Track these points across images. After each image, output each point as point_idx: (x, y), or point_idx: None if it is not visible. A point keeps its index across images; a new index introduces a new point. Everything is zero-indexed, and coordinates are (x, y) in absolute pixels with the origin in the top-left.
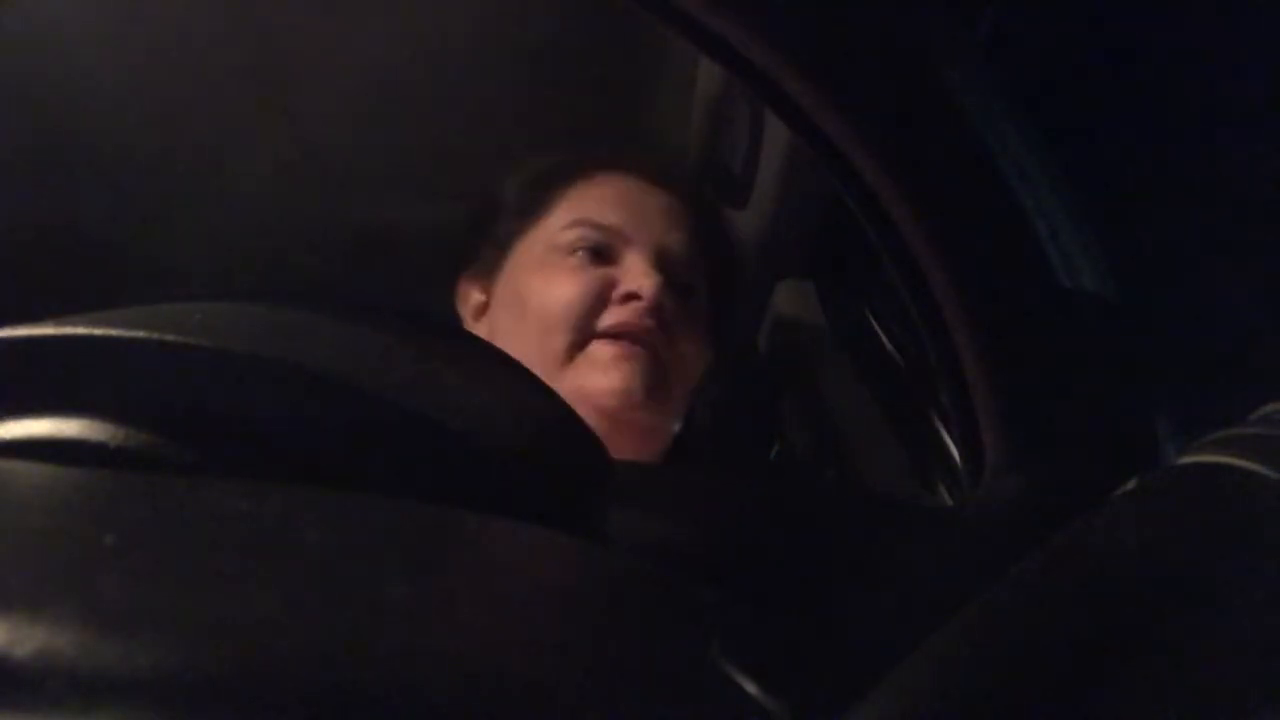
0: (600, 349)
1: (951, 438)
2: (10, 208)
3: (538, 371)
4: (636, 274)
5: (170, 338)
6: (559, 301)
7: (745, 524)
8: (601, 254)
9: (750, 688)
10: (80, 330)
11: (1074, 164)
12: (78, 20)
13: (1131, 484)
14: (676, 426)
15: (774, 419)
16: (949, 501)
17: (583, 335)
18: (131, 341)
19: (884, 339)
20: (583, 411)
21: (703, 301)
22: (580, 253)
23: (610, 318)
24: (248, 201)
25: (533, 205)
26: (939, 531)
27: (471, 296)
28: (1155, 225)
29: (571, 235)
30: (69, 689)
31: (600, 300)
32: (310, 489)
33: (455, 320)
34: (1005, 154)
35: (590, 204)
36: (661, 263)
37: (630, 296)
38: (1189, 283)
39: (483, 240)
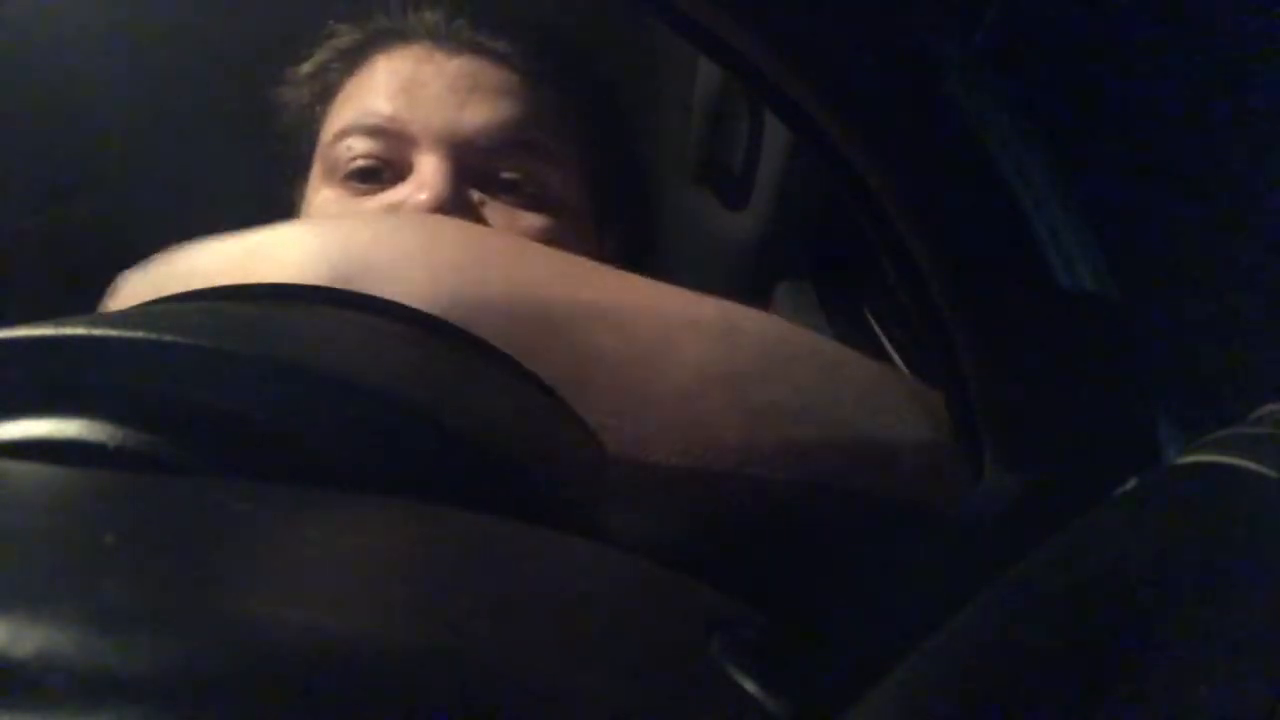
0: None
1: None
2: (9, 209)
3: None
4: (414, 189)
5: (170, 338)
6: None
7: (746, 523)
8: (381, 170)
9: (750, 687)
10: (80, 330)
11: (1074, 164)
12: (77, 21)
13: (1131, 484)
14: None
15: None
16: (949, 502)
17: None
18: (131, 341)
19: (884, 339)
20: None
21: (559, 181)
22: (352, 177)
23: None
24: (247, 202)
25: (310, 118)
26: (939, 531)
27: None
28: (1155, 225)
29: (339, 151)
30: (69, 688)
31: None
32: (310, 489)
33: None
34: (1005, 154)
35: (357, 100)
36: (459, 155)
37: None
38: (1189, 283)
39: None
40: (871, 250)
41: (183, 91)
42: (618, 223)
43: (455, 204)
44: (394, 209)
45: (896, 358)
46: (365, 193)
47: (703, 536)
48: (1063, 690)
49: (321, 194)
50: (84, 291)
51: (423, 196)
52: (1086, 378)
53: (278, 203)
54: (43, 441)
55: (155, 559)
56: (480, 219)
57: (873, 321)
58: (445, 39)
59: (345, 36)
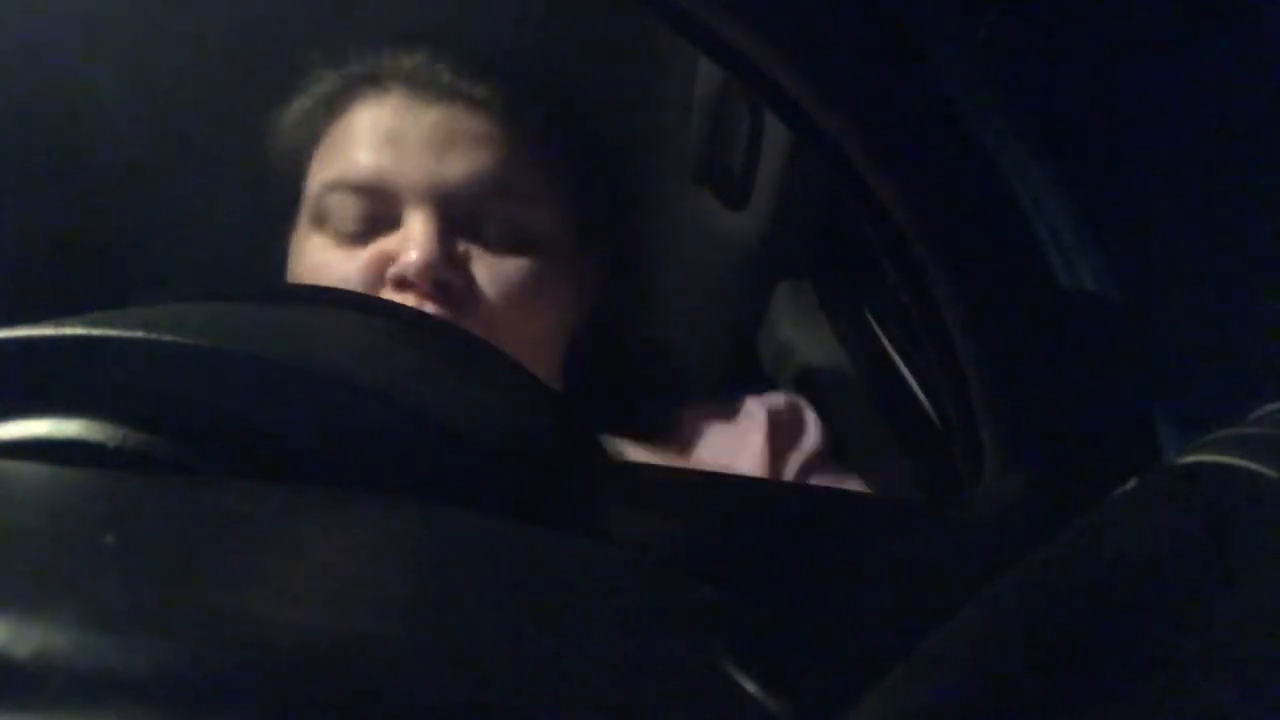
0: None
1: (951, 438)
2: (10, 211)
3: None
4: (405, 243)
5: (169, 338)
6: None
7: (746, 523)
8: (371, 220)
9: (751, 687)
10: (80, 330)
11: (1076, 164)
12: (76, 27)
13: (1131, 484)
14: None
15: None
16: (949, 502)
17: None
18: (131, 341)
19: (884, 339)
20: None
21: (541, 218)
22: (341, 230)
23: None
24: (247, 203)
25: (297, 161)
26: (939, 531)
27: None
28: (1155, 225)
29: (327, 204)
30: (69, 688)
31: (374, 286)
32: (310, 489)
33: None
34: (1005, 154)
35: (341, 153)
36: (444, 207)
37: (402, 282)
38: (1189, 282)
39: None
40: (871, 250)
41: (183, 94)
42: (601, 244)
43: (446, 262)
44: (384, 259)
45: (896, 358)
46: (354, 243)
47: (703, 536)
48: (1063, 690)
49: (312, 240)
50: (84, 292)
51: (414, 255)
52: (1086, 377)
53: (274, 204)
54: (43, 441)
55: (155, 559)
56: (468, 272)
57: (873, 321)
58: (424, 86)
59: (325, 83)
